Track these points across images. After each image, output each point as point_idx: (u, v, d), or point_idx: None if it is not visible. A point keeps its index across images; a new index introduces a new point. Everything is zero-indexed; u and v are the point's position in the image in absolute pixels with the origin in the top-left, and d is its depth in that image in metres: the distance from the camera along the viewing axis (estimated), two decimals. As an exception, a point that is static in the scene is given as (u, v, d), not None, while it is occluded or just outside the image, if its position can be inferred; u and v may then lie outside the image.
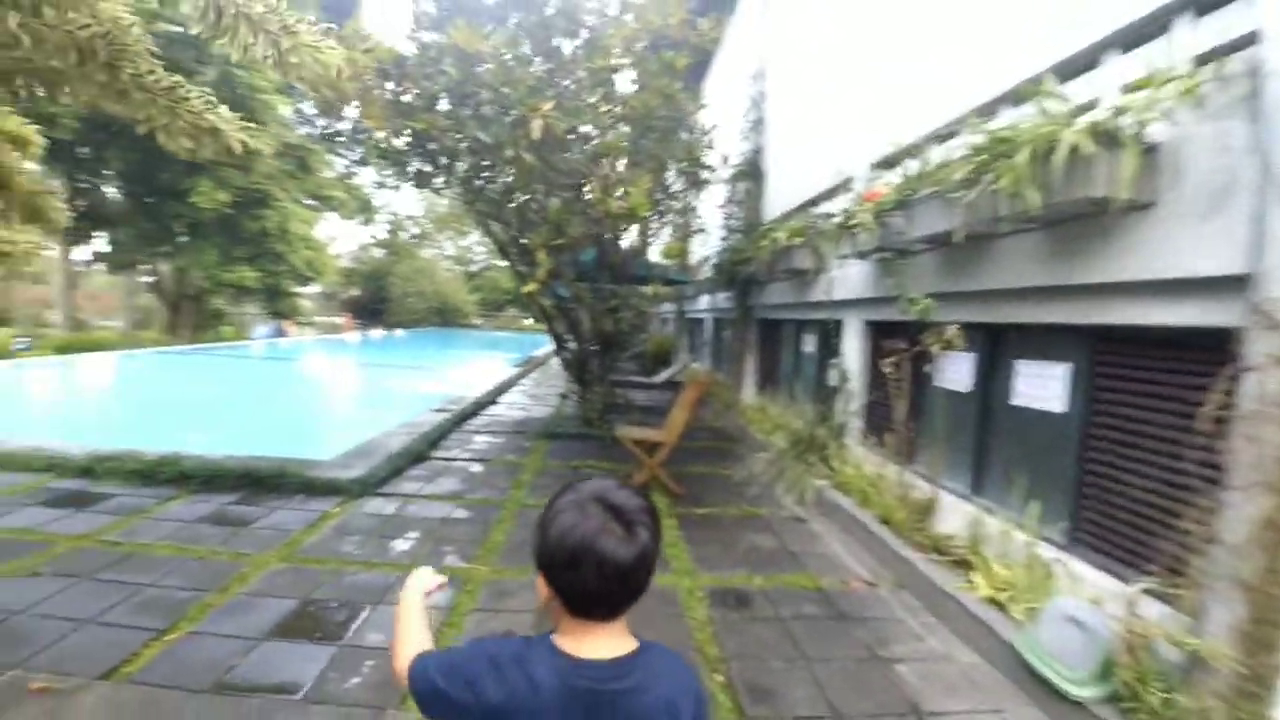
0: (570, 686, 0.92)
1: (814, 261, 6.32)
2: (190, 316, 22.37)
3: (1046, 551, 3.25)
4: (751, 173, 9.32)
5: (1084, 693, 2.45)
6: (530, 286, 6.02)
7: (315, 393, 14.74)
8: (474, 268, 45.05)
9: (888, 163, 5.24)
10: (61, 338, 18.81)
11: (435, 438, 6.93)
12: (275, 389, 14.55)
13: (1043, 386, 3.56)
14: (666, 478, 5.27)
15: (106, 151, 18.12)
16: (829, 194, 6.66)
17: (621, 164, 6.03)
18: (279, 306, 24.43)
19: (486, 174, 5.67)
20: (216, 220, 18.65)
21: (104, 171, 19.05)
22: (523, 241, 6.98)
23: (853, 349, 5.94)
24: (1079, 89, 3.18)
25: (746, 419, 7.92)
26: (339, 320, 36.93)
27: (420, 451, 6.35)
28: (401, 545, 4.07)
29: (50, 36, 1.96)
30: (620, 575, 0.92)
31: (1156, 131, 2.64)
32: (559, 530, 0.94)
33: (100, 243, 21.28)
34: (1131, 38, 2.98)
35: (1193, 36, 2.64)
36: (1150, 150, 2.65)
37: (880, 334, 5.46)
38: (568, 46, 5.56)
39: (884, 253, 4.72)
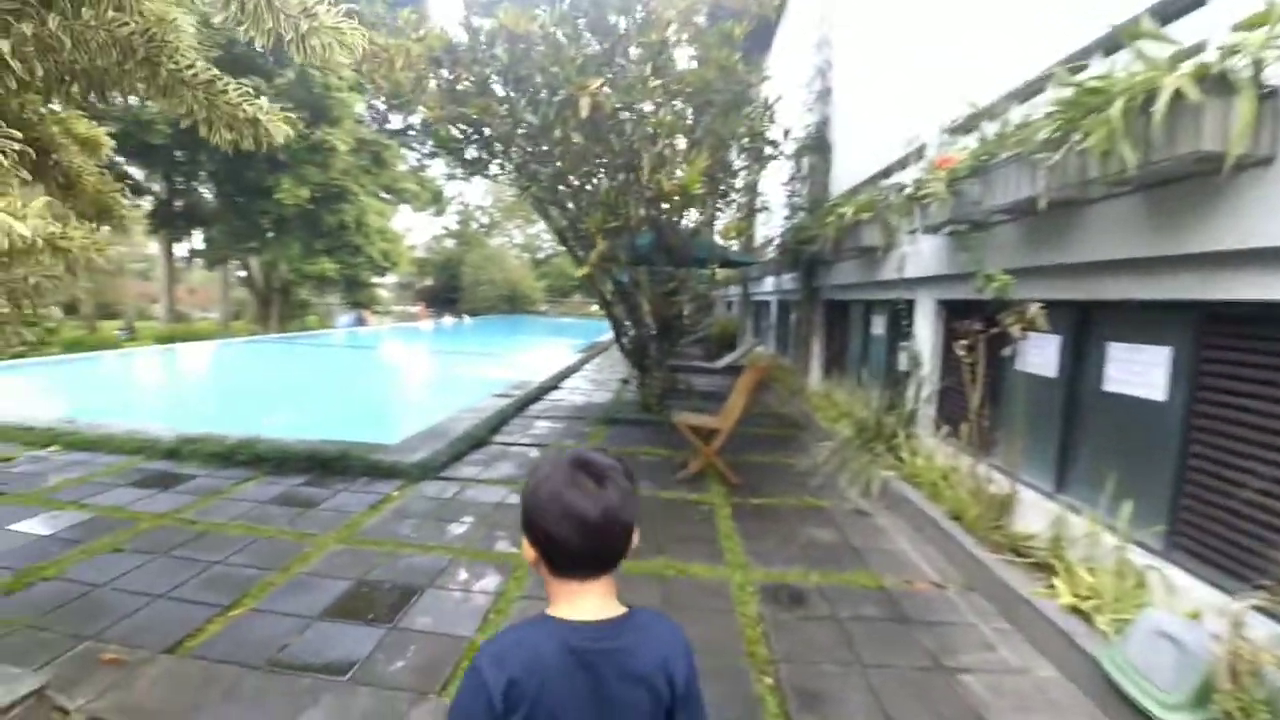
0: (569, 647, 0.95)
1: (883, 237, 5.96)
2: (278, 307, 23.73)
3: (1139, 557, 2.91)
4: (817, 146, 8.91)
5: (1176, 718, 2.16)
6: (583, 270, 5.96)
7: (388, 378, 15.33)
8: (541, 255, 45.74)
9: (963, 127, 4.84)
10: (162, 328, 20.40)
11: (496, 423, 7.03)
12: (351, 375, 15.23)
13: (1140, 371, 3.18)
14: (723, 466, 5.11)
15: (200, 154, 19.34)
16: (899, 164, 6.26)
17: (680, 143, 5.85)
18: (358, 296, 25.55)
19: (539, 157, 5.60)
20: (299, 215, 19.60)
21: (198, 173, 20.35)
22: (579, 226, 6.92)
23: (925, 331, 5.58)
24: (1182, 30, 2.77)
25: (811, 405, 7.63)
26: (414, 309, 38.36)
27: (481, 437, 6.45)
28: (456, 530, 4.11)
29: (91, 37, 1.99)
30: (589, 529, 0.96)
31: (1276, 74, 2.25)
32: (533, 485, 1.00)
33: (197, 240, 22.89)
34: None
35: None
36: (1269, 95, 2.26)
37: (955, 314, 5.09)
38: (624, 23, 5.40)
39: (958, 225, 4.37)
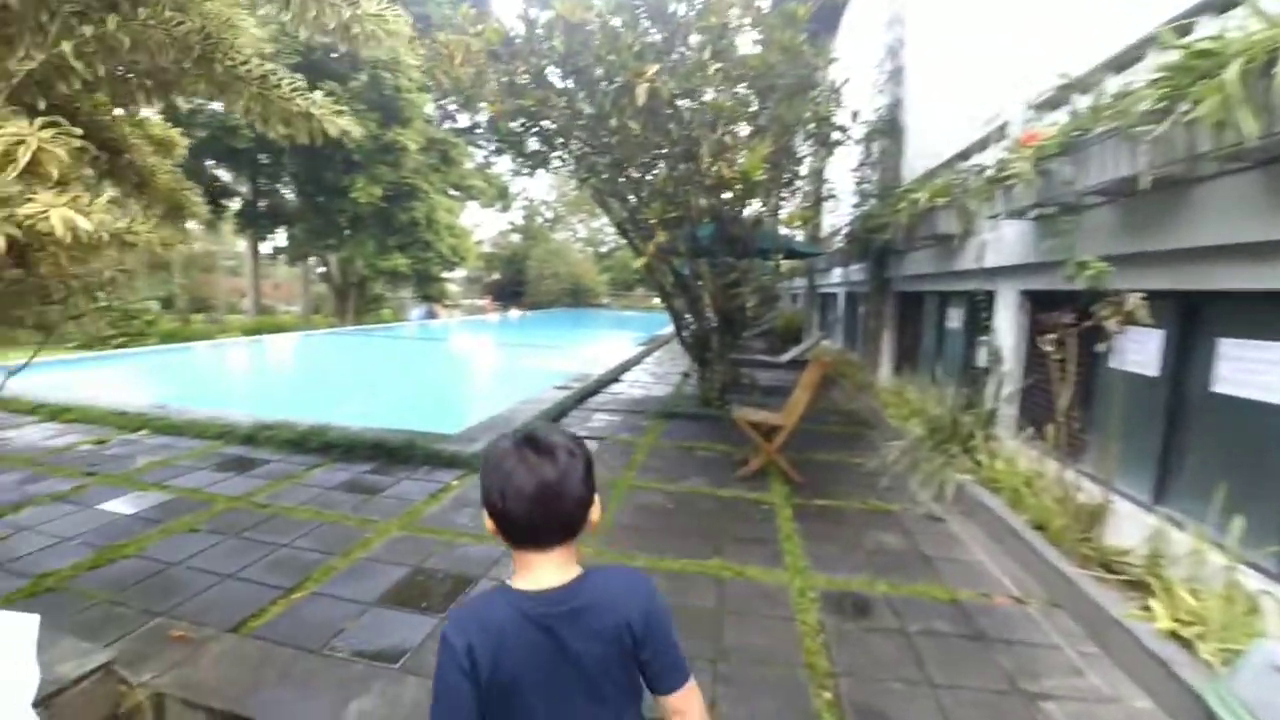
0: (525, 614, 1.01)
1: (961, 224, 5.60)
2: (354, 301, 24.78)
3: (1252, 580, 2.58)
4: (888, 130, 8.49)
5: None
6: (640, 261, 5.85)
7: (454, 369, 15.74)
8: (604, 249, 46.02)
9: (1051, 102, 4.46)
10: (249, 321, 21.65)
11: (556, 415, 7.04)
12: (420, 366, 15.72)
13: (1256, 371, 2.81)
14: (785, 464, 4.91)
15: (282, 157, 20.41)
16: (979, 145, 5.86)
17: (741, 130, 5.65)
18: (428, 290, 26.41)
19: (597, 148, 5.52)
20: (373, 213, 20.40)
21: (281, 175, 21.46)
22: (638, 217, 6.82)
23: (1006, 324, 5.20)
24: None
25: (880, 402, 7.28)
26: (481, 302, 39.34)
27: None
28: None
29: (149, 36, 2.01)
30: (531, 501, 1.00)
31: None
32: (486, 456, 1.05)
33: (280, 238, 24.19)
34: None
35: None
36: None
37: (1040, 306, 4.72)
38: (683, 9, 5.25)
39: (1046, 208, 4.02)
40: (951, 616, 3.06)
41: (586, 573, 1.08)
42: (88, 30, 1.85)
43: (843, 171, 9.19)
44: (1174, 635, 2.54)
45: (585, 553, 3.65)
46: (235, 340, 17.69)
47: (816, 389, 4.84)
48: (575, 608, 1.03)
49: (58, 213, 1.74)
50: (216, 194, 21.80)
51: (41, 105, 1.90)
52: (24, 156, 1.64)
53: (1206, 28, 3.02)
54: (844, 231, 9.17)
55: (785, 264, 7.75)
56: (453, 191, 25.57)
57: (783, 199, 7.84)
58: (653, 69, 4.17)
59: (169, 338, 16.93)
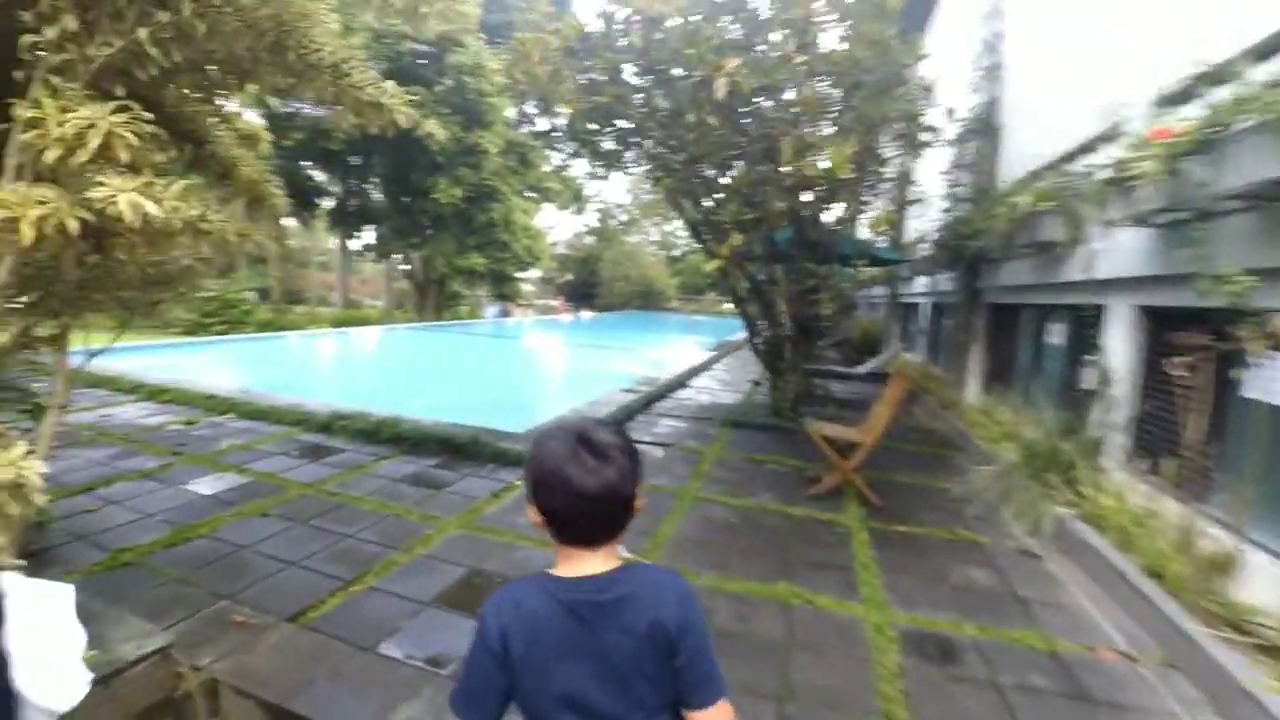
0: (559, 601, 1.02)
1: (1068, 231, 5.12)
2: (434, 298, 25.64)
3: None
4: (984, 130, 7.94)
5: None
6: (714, 263, 5.64)
7: (524, 368, 15.94)
8: (676, 252, 45.89)
9: (1180, 95, 3.97)
10: (335, 314, 22.77)
11: (621, 418, 6.93)
12: (491, 362, 16.03)
13: None
14: (862, 484, 4.59)
15: (372, 159, 21.37)
16: (1090, 145, 5.34)
17: (825, 130, 5.36)
18: (503, 289, 27.02)
19: (672, 146, 5.35)
20: (454, 214, 21.04)
21: (370, 177, 22.47)
22: (713, 219, 6.61)
23: (1119, 343, 4.70)
24: None
25: (967, 422, 6.78)
26: (554, 302, 39.98)
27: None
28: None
29: (225, 23, 1.99)
30: (586, 501, 1.01)
31: None
32: (538, 455, 1.05)
33: (368, 236, 25.35)
34: None
35: None
36: None
37: (1161, 324, 4.22)
38: (765, 2, 5.03)
39: (1176, 213, 3.56)
40: (1050, 670, 2.71)
41: (624, 567, 1.08)
42: (164, 16, 1.85)
43: (930, 174, 8.68)
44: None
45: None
46: (323, 331, 18.60)
47: (900, 405, 4.50)
48: (610, 599, 1.03)
49: (126, 197, 1.73)
50: (311, 193, 23.10)
51: (121, 92, 1.90)
52: (94, 140, 1.62)
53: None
54: (932, 238, 8.65)
55: (866, 271, 7.34)
56: (529, 193, 26.07)
57: (865, 202, 7.45)
58: (733, 62, 3.97)
59: (264, 326, 17.98)
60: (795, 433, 6.42)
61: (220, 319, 17.37)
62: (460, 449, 5.42)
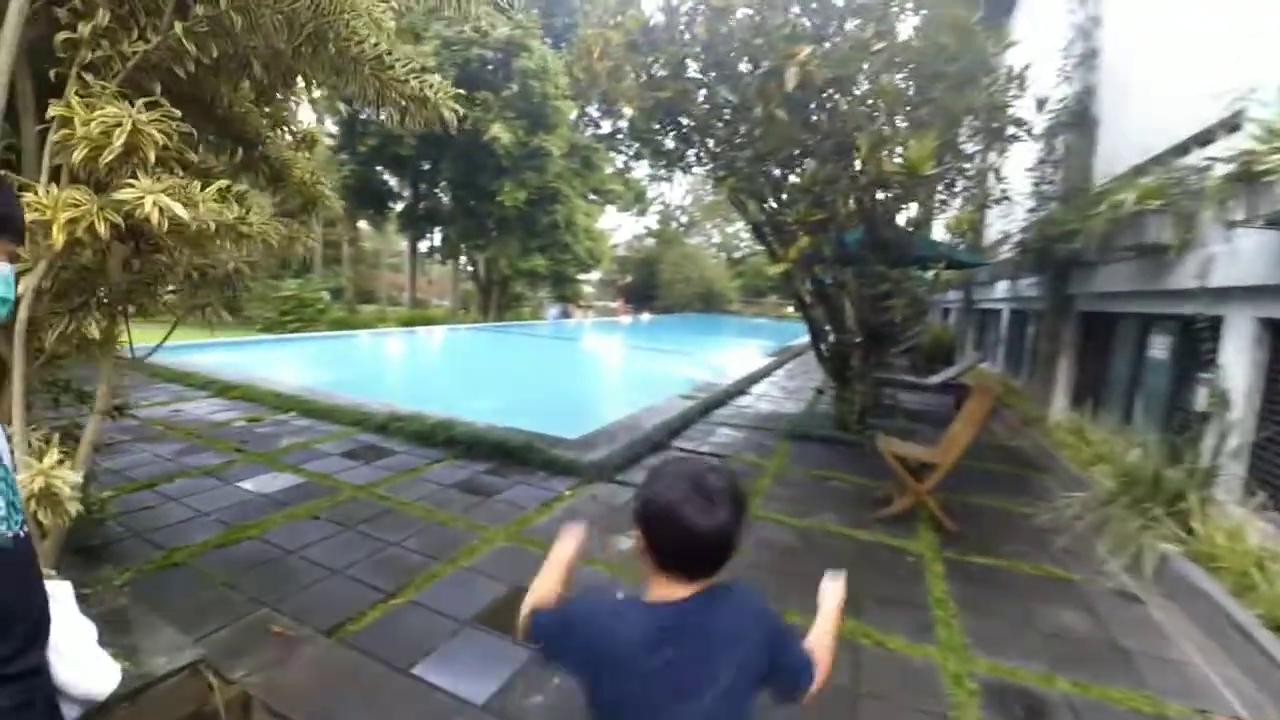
0: (651, 624, 1.08)
1: (1178, 233, 4.61)
2: (497, 299, 26.09)
3: None
4: (1077, 122, 7.31)
5: None
6: (779, 266, 5.35)
7: (582, 370, 15.92)
8: (738, 254, 45.27)
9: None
10: (404, 313, 23.47)
11: (678, 426, 6.72)
12: (549, 364, 16.08)
13: None
14: (936, 508, 4.20)
15: (441, 163, 21.93)
16: (1207, 136, 4.79)
17: (900, 122, 4.99)
18: (564, 291, 27.24)
19: (737, 142, 5.09)
20: (517, 216, 21.33)
21: (439, 180, 23.08)
22: (778, 220, 6.31)
23: (1238, 359, 4.17)
24: None
25: (1053, 441, 6.23)
26: (614, 304, 40.07)
27: (660, 440, 6.17)
28: (623, 543, 3.80)
29: (263, 17, 1.90)
30: (695, 541, 1.07)
31: None
32: (651, 492, 1.12)
33: (437, 238, 26.05)
34: None
35: None
36: None
37: (1296, 339, 3.69)
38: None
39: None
40: (1165, 741, 2.33)
41: (712, 589, 1.12)
42: (201, 10, 1.76)
43: (1015, 171, 8.08)
44: None
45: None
46: (390, 331, 19.18)
47: (982, 425, 4.11)
48: (697, 623, 1.08)
49: (153, 199, 1.64)
50: (384, 197, 23.92)
51: (158, 90, 1.83)
52: (120, 139, 1.54)
53: None
54: (1014, 239, 8.05)
55: (944, 275, 6.87)
56: (592, 196, 26.20)
57: (943, 201, 6.97)
58: (805, 50, 3.69)
59: (336, 325, 18.68)
60: (862, 447, 6.04)
61: (295, 317, 18.12)
62: (512, 454, 5.33)
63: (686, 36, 4.49)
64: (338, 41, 1.97)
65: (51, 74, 1.71)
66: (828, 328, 7.31)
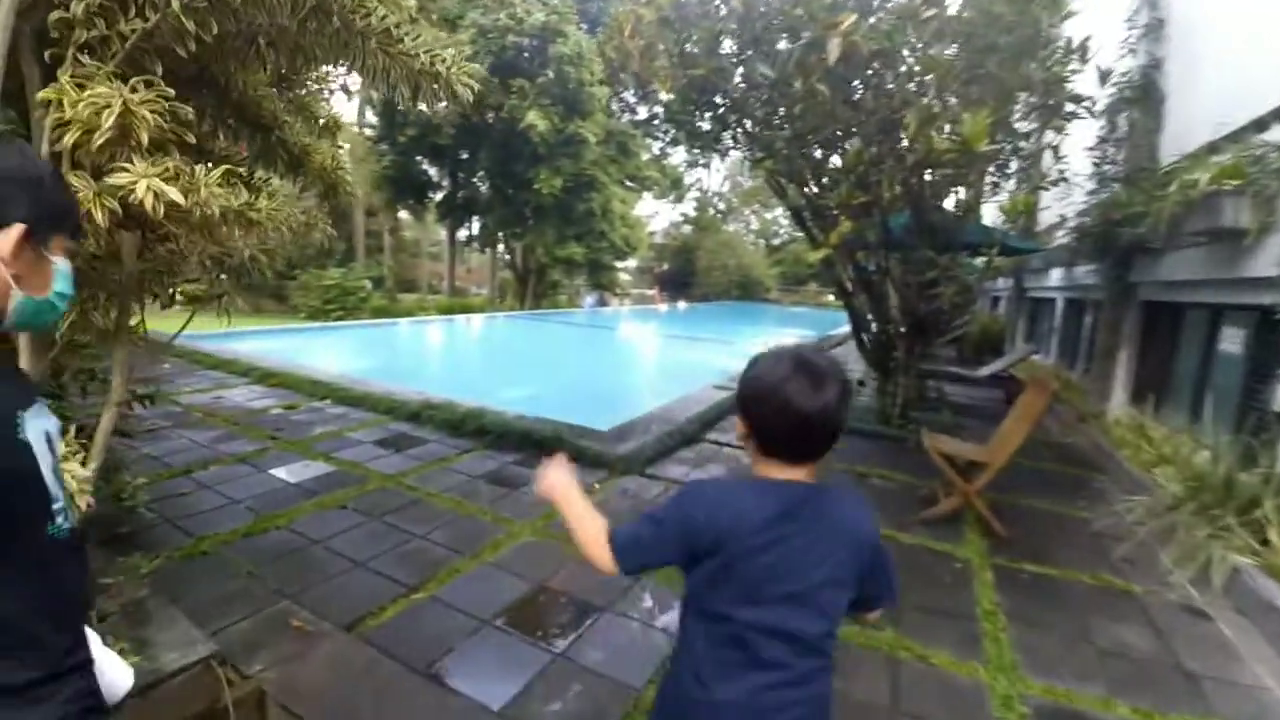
0: (770, 498, 1.09)
1: (1257, 215, 4.23)
2: (533, 287, 26.19)
3: None
4: (1141, 97, 6.83)
5: None
6: (818, 253, 5.11)
7: (616, 359, 15.81)
8: (776, 241, 44.50)
9: None
10: (443, 301, 23.75)
11: (712, 418, 6.55)
12: (583, 353, 16.03)
13: None
14: (985, 510, 3.95)
15: (479, 152, 22.01)
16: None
17: (950, 98, 4.69)
18: (600, 279, 27.16)
19: (774, 122, 4.84)
20: (553, 204, 21.28)
21: (476, 169, 23.18)
22: (818, 203, 6.05)
23: (1330, 354, 3.80)
24: None
25: (1112, 439, 5.86)
26: (650, 292, 39.87)
27: (693, 433, 6.02)
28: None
29: None
30: (801, 420, 1.06)
31: None
32: (755, 373, 1.12)
33: (475, 226, 26.25)
34: None
35: None
36: None
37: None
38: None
39: None
40: (1244, 781, 2.10)
41: (823, 483, 1.13)
42: (197, -17, 1.67)
43: (1072, 150, 7.60)
44: None
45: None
46: (429, 319, 19.42)
47: (1037, 422, 3.83)
48: (818, 507, 1.10)
49: (146, 183, 1.56)
50: (423, 187, 24.15)
51: (158, 70, 1.75)
52: (108, 120, 1.46)
53: None
54: (1072, 223, 7.59)
55: (996, 261, 6.49)
56: (628, 183, 25.99)
57: (994, 184, 6.59)
58: (849, 19, 3.45)
59: (378, 313, 18.99)
60: (905, 442, 5.78)
61: (338, 305, 18.51)
62: (541, 445, 5.25)
63: (722, 11, 4.28)
64: (342, 14, 1.86)
65: (47, 55, 1.64)
66: (870, 316, 7.03)
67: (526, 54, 19.61)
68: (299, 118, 2.94)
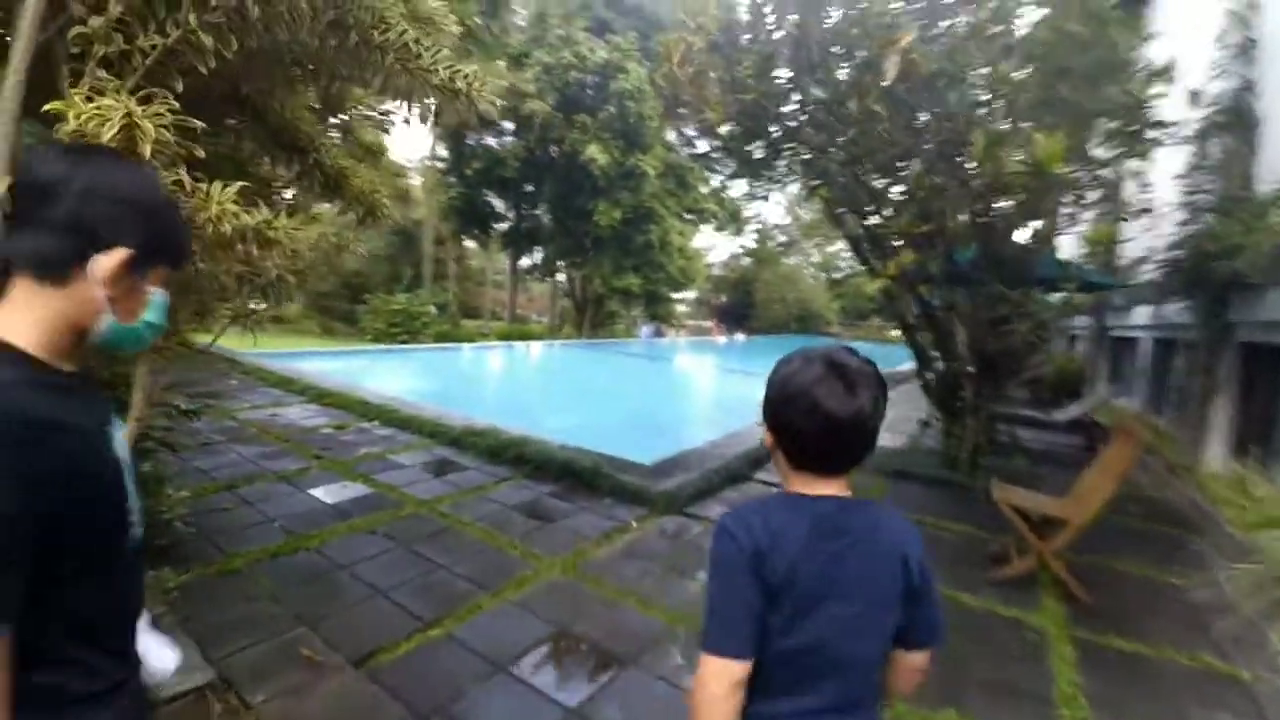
0: (805, 514, 1.01)
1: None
2: (591, 316, 26.43)
3: None
4: (1233, 122, 6.28)
5: None
6: (875, 283, 4.82)
7: (667, 391, 15.60)
8: (838, 275, 43.62)
9: None
10: (503, 328, 24.25)
11: (762, 455, 6.24)
12: (635, 383, 15.91)
13: None
14: (1064, 572, 3.51)
15: (542, 185, 22.64)
16: None
17: (1021, 124, 4.39)
18: (657, 310, 27.19)
19: (829, 145, 4.62)
20: (612, 235, 21.58)
21: (539, 201, 23.83)
22: (878, 233, 5.78)
23: None
24: None
25: (1209, 496, 5.26)
26: (707, 324, 39.61)
27: (740, 471, 5.75)
28: (688, 587, 3.43)
29: (280, 4, 1.76)
30: (831, 426, 0.98)
31: None
32: (782, 376, 1.05)
33: (537, 256, 26.87)
34: None
35: None
36: None
37: None
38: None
39: None
40: None
41: (861, 497, 1.06)
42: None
43: (1159, 179, 7.07)
44: None
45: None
46: (489, 345, 19.82)
47: (1124, 476, 3.41)
48: (858, 524, 1.02)
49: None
50: (487, 218, 24.91)
51: (179, 86, 1.73)
52: (109, 131, 1.42)
53: None
54: (1160, 257, 7.01)
55: (1075, 298, 6.01)
56: (687, 215, 26.12)
57: (1070, 215, 6.14)
58: (908, 37, 3.25)
59: (440, 338, 19.52)
60: (973, 491, 5.34)
61: (403, 329, 19.12)
62: (579, 476, 5.11)
63: (776, 35, 4.14)
64: (360, 29, 1.81)
65: (66, 70, 1.64)
66: (934, 353, 6.62)
67: (589, 90, 20.13)
68: (341, 142, 2.97)
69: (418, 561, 3.52)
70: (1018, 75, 4.13)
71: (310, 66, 2.06)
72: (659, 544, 4.05)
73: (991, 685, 2.66)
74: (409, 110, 2.08)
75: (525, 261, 28.50)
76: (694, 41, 4.41)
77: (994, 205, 4.80)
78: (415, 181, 27.57)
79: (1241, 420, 6.22)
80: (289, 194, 3.01)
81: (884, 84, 3.36)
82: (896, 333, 8.34)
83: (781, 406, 1.02)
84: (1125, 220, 6.30)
